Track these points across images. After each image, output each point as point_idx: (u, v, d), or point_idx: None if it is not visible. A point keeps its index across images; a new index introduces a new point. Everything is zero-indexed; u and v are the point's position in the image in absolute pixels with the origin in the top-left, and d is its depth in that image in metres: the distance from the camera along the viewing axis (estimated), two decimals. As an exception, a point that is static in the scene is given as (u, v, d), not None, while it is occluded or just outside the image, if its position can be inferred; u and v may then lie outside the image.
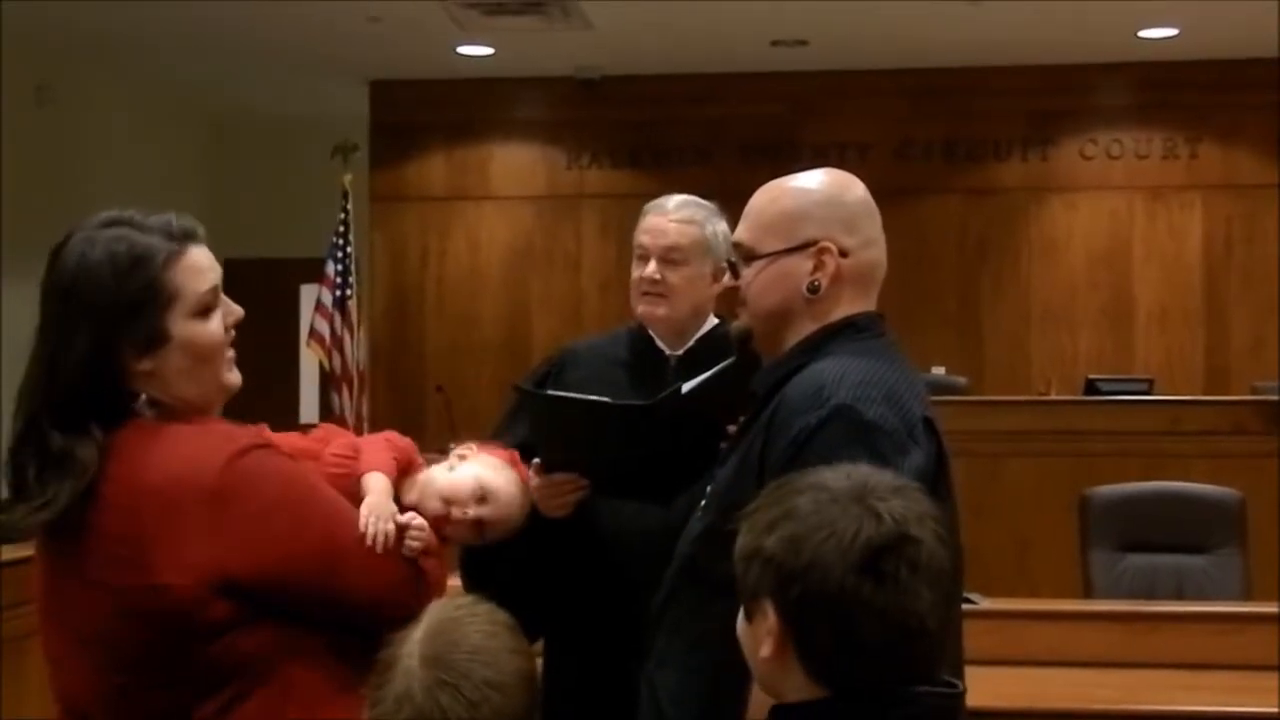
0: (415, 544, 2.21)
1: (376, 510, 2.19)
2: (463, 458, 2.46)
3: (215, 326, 2.12)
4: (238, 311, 2.17)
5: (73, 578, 2.04)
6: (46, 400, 2.04)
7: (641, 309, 3.03)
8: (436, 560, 2.27)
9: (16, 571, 3.96)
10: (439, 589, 2.25)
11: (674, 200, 3.03)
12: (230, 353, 2.17)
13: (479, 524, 2.39)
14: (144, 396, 2.09)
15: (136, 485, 2.00)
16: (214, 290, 2.12)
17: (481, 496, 2.39)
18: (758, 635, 1.70)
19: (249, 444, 2.07)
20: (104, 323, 2.03)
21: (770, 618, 1.66)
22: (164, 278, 2.06)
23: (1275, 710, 3.55)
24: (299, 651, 2.08)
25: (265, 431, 2.24)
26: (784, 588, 1.64)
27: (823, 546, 1.62)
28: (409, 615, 2.12)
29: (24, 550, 3.99)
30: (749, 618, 1.73)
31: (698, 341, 3.02)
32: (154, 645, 2.00)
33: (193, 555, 1.98)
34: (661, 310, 3.00)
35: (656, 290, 2.99)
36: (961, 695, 1.75)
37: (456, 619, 2.06)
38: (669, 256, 2.98)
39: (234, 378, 2.17)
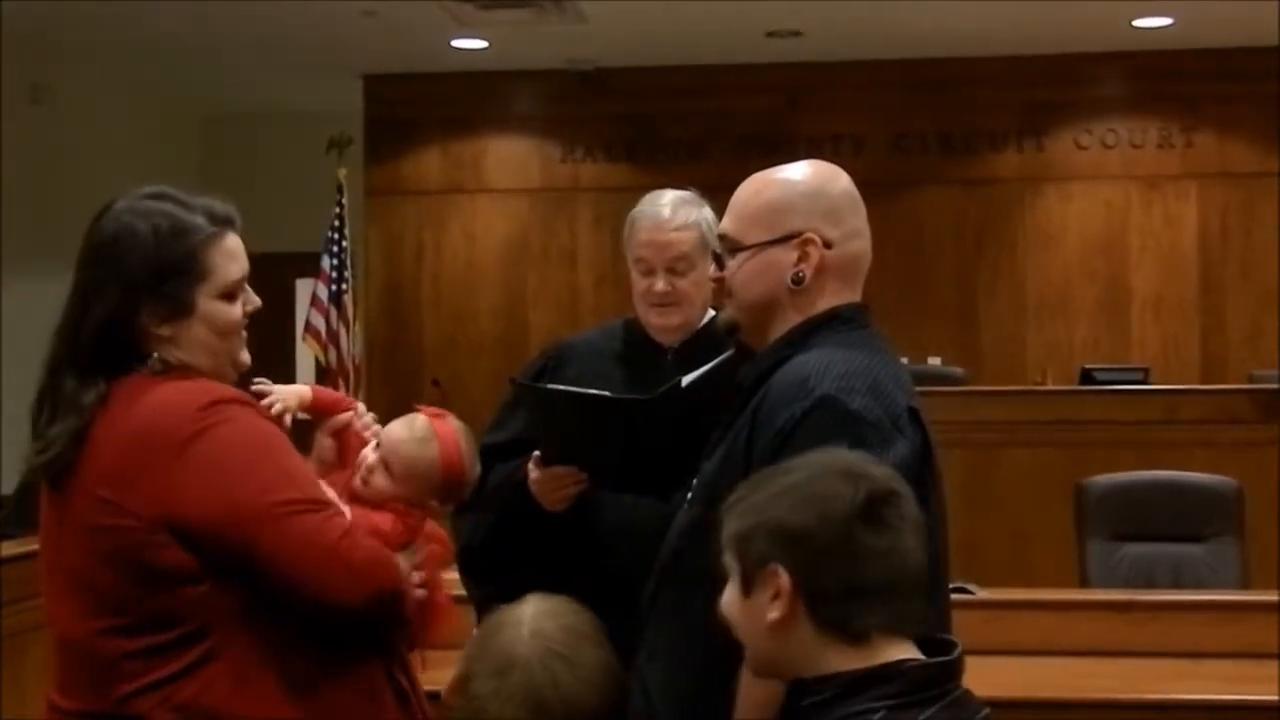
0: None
1: (284, 393, 2.41)
2: None
3: (237, 310, 2.24)
4: (256, 301, 2.29)
5: (64, 522, 2.13)
6: (69, 351, 2.16)
7: (656, 321, 3.01)
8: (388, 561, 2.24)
9: (17, 568, 3.96)
10: (390, 587, 2.21)
11: (665, 207, 2.99)
12: (243, 334, 2.29)
13: (383, 465, 2.43)
14: (156, 355, 2.18)
15: (119, 428, 2.10)
16: (243, 279, 2.25)
17: (376, 445, 2.47)
18: (760, 604, 1.82)
19: (227, 396, 2.16)
20: (132, 284, 2.14)
21: (782, 579, 1.80)
22: (202, 254, 2.19)
23: (1274, 698, 3.56)
24: (270, 621, 2.12)
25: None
26: (795, 547, 1.80)
27: (829, 504, 1.80)
28: (342, 603, 2.12)
29: (24, 546, 4.00)
30: (748, 591, 1.84)
31: (694, 334, 3.02)
32: (125, 588, 2.07)
33: (149, 496, 2.06)
34: (676, 319, 3.00)
35: (668, 301, 2.98)
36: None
37: (565, 608, 2.25)
38: (676, 267, 2.96)
39: (245, 356, 2.30)
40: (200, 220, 2.19)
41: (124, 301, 2.13)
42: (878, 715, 1.75)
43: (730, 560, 1.87)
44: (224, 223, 2.22)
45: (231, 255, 2.22)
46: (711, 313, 3.04)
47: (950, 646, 1.86)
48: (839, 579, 1.79)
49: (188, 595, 2.07)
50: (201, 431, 2.09)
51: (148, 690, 2.07)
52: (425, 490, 2.49)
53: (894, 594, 1.81)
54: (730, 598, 1.87)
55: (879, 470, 1.86)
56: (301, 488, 2.15)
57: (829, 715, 1.78)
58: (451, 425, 2.57)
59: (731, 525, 1.86)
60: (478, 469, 2.61)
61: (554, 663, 2.15)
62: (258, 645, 2.11)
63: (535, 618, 2.22)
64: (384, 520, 2.37)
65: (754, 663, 1.90)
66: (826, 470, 1.84)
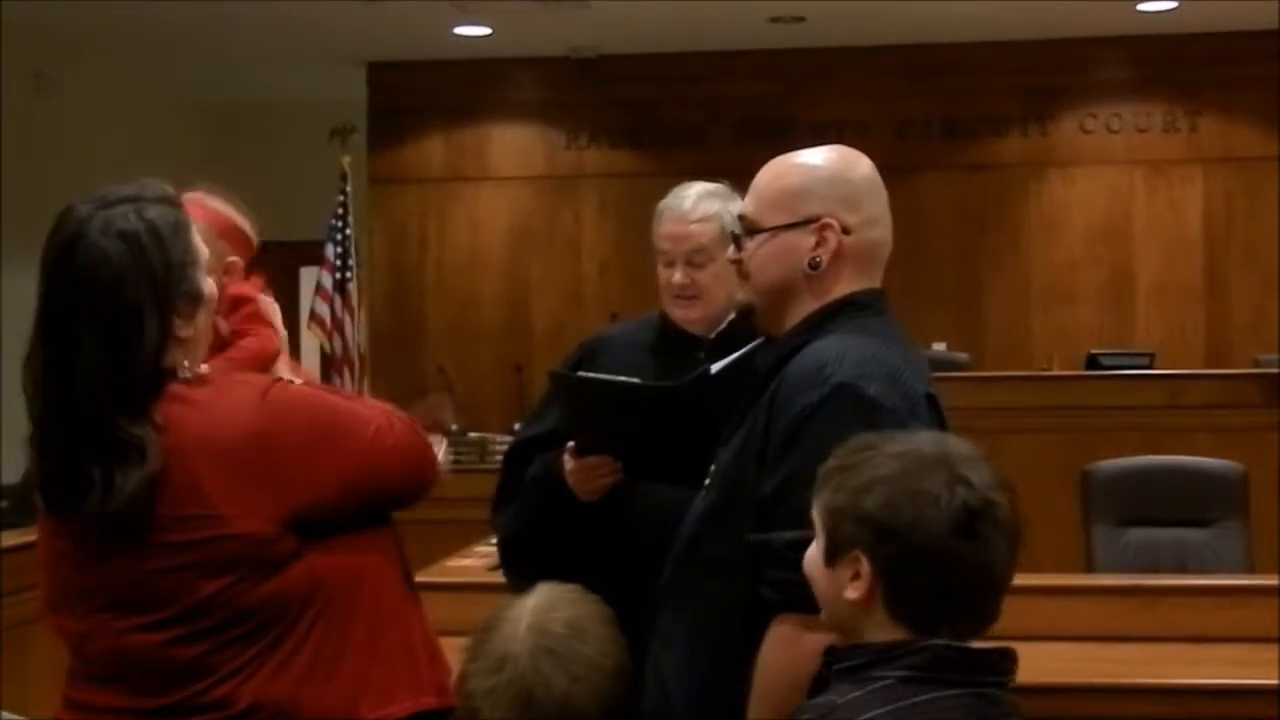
0: None
1: None
2: None
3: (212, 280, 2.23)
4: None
5: (124, 548, 2.05)
6: (115, 394, 2.04)
7: (677, 313, 3.04)
8: None
9: (18, 558, 3.96)
10: None
11: (689, 199, 3.00)
12: None
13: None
14: (185, 363, 2.14)
15: (185, 448, 2.04)
16: None
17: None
18: (840, 578, 1.86)
19: (266, 383, 2.17)
20: (163, 298, 2.08)
21: (865, 566, 1.83)
22: (193, 240, 2.15)
23: (1277, 682, 3.55)
24: (334, 595, 2.13)
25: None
26: (881, 543, 1.82)
27: (924, 510, 1.80)
28: (427, 490, 2.31)
29: (26, 536, 4.00)
30: (831, 562, 1.88)
31: (728, 324, 3.02)
32: (215, 594, 2.04)
33: (261, 500, 2.04)
34: (696, 313, 3.02)
35: (688, 294, 3.00)
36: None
37: (569, 599, 2.18)
38: (694, 260, 2.98)
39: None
40: (170, 209, 2.14)
41: (164, 318, 2.07)
42: (891, 680, 1.79)
43: (818, 524, 1.90)
44: (179, 204, 2.18)
45: (199, 231, 2.20)
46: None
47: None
48: (923, 583, 1.82)
49: (273, 582, 2.06)
50: (275, 423, 2.08)
51: (227, 678, 2.06)
52: (224, 253, 2.74)
53: (976, 601, 1.85)
54: (814, 559, 1.91)
55: (980, 476, 1.84)
56: (366, 412, 2.23)
57: (854, 678, 1.83)
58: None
59: (824, 495, 1.88)
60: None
61: (545, 660, 2.09)
62: (322, 621, 2.11)
63: (535, 611, 2.16)
64: (251, 343, 2.67)
65: (826, 619, 1.94)
66: (928, 464, 1.84)
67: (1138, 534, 5.07)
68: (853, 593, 1.84)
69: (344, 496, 2.13)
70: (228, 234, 2.73)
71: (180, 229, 2.13)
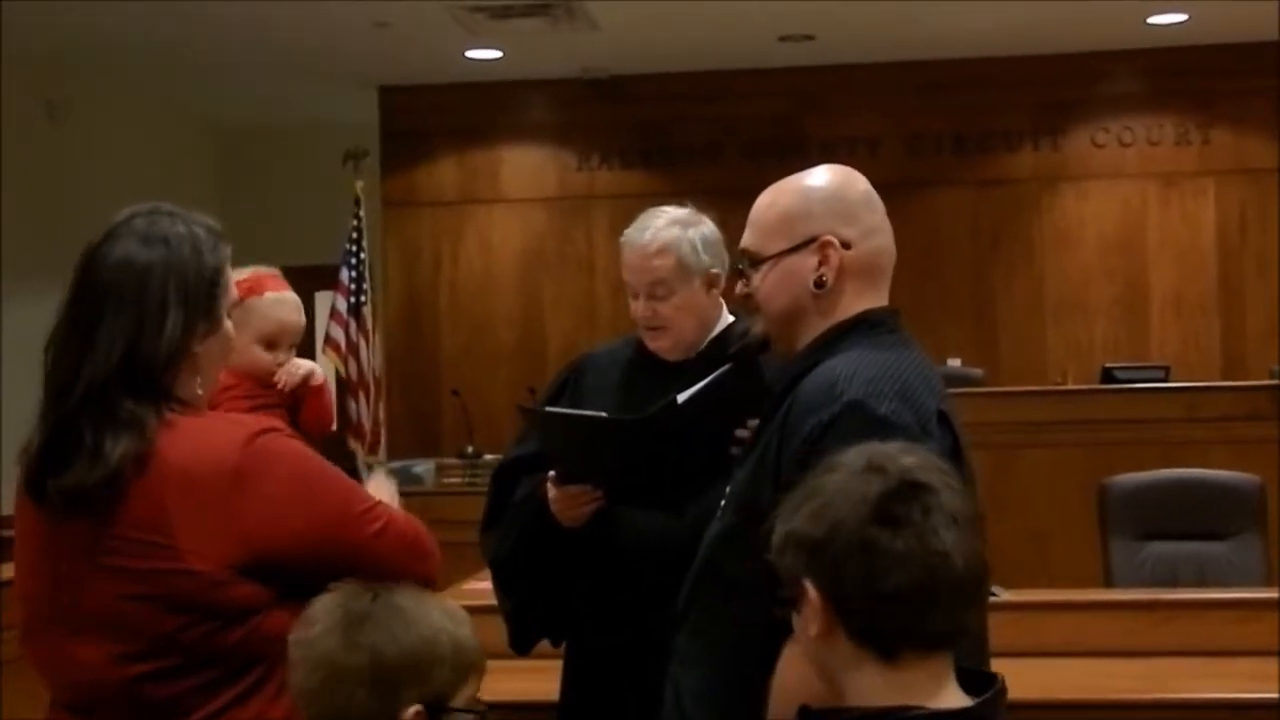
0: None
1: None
2: None
3: (232, 327, 2.23)
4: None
5: (90, 567, 2.05)
6: (125, 374, 2.06)
7: (649, 343, 3.09)
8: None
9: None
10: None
11: (647, 231, 3.05)
12: None
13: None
14: (199, 379, 2.15)
15: (160, 472, 2.03)
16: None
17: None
18: (806, 618, 1.75)
19: (261, 428, 2.13)
20: (191, 299, 2.12)
21: (812, 594, 1.72)
22: (226, 269, 2.19)
23: (1297, 696, 3.55)
24: None
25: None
26: (815, 558, 1.71)
27: (840, 509, 1.70)
28: (423, 576, 2.19)
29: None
30: (796, 607, 1.78)
31: (710, 344, 3.04)
32: (179, 631, 2.02)
33: (217, 538, 2.02)
34: (664, 342, 3.06)
35: (653, 325, 3.04)
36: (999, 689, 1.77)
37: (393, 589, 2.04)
38: (654, 293, 3.03)
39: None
40: (211, 237, 2.18)
41: (188, 319, 2.11)
42: None
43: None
44: (223, 238, 2.21)
45: (231, 272, 2.23)
46: (729, 319, 3.07)
47: (986, 684, 1.76)
48: (859, 587, 1.68)
49: (250, 628, 2.04)
50: (256, 467, 2.05)
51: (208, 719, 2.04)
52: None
53: (926, 601, 1.68)
54: (795, 614, 1.81)
55: (905, 461, 1.73)
56: (363, 492, 2.21)
57: None
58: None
59: (774, 537, 1.79)
60: None
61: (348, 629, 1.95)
62: None
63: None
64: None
65: (816, 670, 1.82)
66: (852, 468, 1.74)
67: (1156, 548, 5.06)
68: (813, 627, 1.73)
69: (312, 555, 2.07)
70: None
71: (218, 251, 2.17)
